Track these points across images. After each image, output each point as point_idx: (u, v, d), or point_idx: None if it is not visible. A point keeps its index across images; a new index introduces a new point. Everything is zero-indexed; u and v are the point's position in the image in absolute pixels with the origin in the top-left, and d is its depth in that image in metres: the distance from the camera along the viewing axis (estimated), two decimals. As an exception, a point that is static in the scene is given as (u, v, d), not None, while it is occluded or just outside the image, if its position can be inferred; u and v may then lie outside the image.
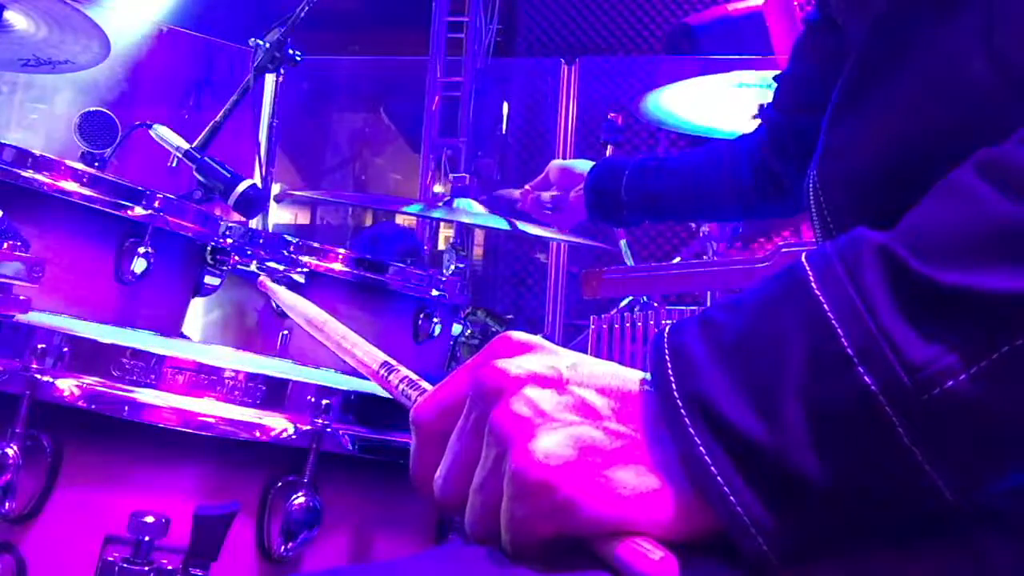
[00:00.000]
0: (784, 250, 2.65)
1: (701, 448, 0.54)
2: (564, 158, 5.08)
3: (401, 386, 0.75)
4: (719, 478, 0.53)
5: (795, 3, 4.57)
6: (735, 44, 4.23)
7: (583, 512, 0.54)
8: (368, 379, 0.84)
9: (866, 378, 0.51)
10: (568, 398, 0.58)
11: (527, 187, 1.83)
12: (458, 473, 0.61)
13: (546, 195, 1.77)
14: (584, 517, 0.54)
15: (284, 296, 1.12)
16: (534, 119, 5.62)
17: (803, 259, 0.56)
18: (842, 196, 0.73)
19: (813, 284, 0.54)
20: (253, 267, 1.80)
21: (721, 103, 2.83)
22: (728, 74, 2.81)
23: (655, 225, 4.93)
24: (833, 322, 0.52)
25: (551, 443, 0.55)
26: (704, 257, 3.26)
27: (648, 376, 0.59)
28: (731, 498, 0.53)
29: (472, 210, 2.15)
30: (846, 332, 0.52)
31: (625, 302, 3.01)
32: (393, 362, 0.78)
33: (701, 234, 3.34)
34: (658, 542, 0.54)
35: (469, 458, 0.60)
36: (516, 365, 0.59)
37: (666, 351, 0.57)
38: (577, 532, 0.55)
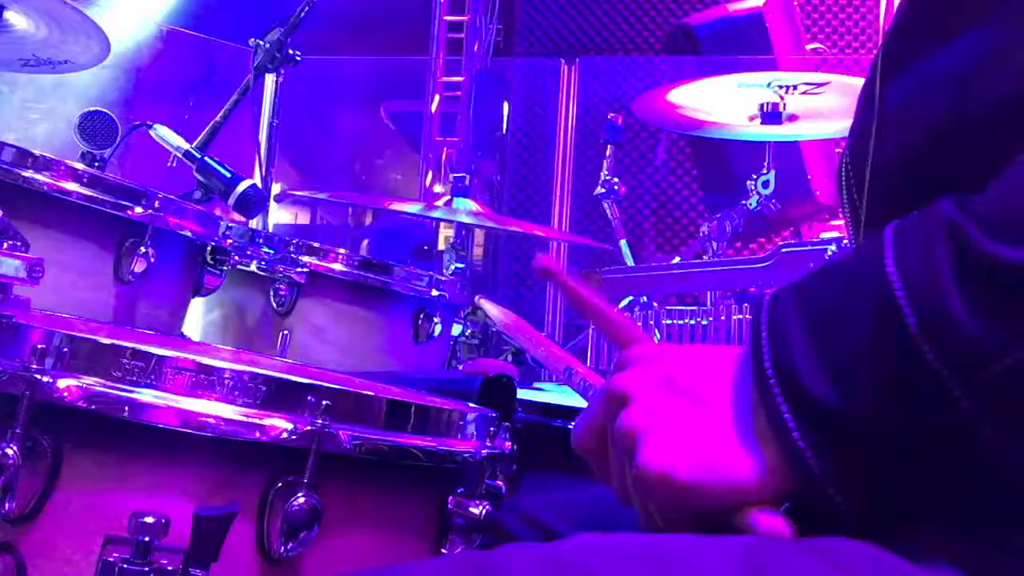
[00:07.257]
0: (784, 250, 2.65)
1: (787, 415, 0.60)
2: (564, 158, 5.09)
3: (581, 386, 0.85)
4: (800, 443, 0.59)
5: (795, 3, 4.57)
6: (735, 44, 4.23)
7: (702, 492, 0.63)
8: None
9: (929, 355, 0.54)
10: (677, 396, 0.66)
11: None
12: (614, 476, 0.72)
13: None
14: (705, 495, 0.63)
15: (493, 312, 1.15)
16: (534, 119, 5.61)
17: (886, 231, 0.59)
18: (885, 174, 0.73)
19: (887, 260, 0.57)
20: (253, 267, 1.80)
21: (721, 103, 2.83)
22: (728, 75, 2.80)
23: (655, 225, 4.92)
24: (900, 300, 0.56)
25: (663, 441, 0.64)
26: (704, 257, 3.25)
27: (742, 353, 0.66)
28: (811, 461, 0.59)
29: (472, 210, 2.15)
30: (912, 310, 0.55)
31: (625, 302, 3.01)
32: (574, 365, 0.88)
33: (701, 234, 3.34)
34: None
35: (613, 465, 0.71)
36: (631, 377, 0.69)
37: (763, 324, 0.63)
38: (706, 509, 0.64)
